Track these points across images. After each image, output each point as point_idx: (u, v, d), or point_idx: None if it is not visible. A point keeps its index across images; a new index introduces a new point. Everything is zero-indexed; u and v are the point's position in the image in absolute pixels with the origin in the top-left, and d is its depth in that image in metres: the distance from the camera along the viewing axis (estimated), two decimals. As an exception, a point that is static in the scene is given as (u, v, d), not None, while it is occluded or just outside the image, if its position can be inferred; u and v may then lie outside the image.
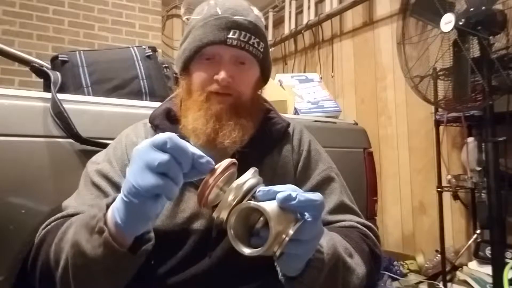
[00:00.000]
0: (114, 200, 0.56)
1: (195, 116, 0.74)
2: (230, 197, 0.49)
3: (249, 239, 0.50)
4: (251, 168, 0.54)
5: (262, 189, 0.50)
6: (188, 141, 0.74)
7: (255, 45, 0.75)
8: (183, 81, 0.79)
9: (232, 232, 0.48)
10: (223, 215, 0.49)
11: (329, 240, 0.60)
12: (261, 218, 0.49)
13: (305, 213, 0.50)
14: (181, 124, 0.77)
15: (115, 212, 0.53)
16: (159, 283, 0.72)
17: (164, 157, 0.48)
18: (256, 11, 0.79)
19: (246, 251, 0.47)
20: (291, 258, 0.52)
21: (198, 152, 0.51)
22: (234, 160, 0.54)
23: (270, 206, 0.47)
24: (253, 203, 0.47)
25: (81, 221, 0.58)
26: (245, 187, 0.50)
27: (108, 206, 0.56)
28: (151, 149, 0.49)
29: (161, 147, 0.49)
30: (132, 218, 0.52)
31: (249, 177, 0.51)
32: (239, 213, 0.48)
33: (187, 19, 0.80)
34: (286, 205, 0.48)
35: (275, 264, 0.57)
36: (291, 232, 0.47)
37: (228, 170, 0.52)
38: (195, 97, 0.75)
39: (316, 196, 0.50)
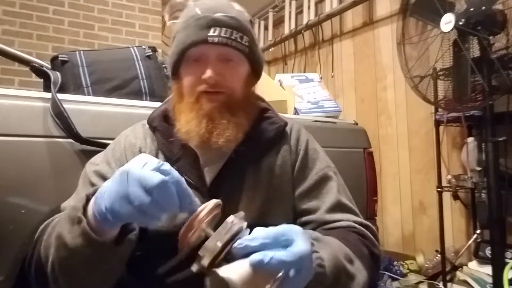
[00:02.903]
0: (95, 192, 0.57)
1: (187, 118, 0.74)
2: (213, 245, 0.48)
3: None
4: (240, 212, 0.53)
5: (238, 245, 0.48)
6: (186, 148, 0.75)
7: (238, 39, 0.74)
8: (175, 85, 0.80)
9: None
10: (205, 262, 0.49)
11: (330, 253, 0.58)
12: None
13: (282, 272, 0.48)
14: (175, 127, 0.77)
15: (93, 205, 0.54)
16: (159, 283, 0.72)
17: (145, 200, 0.49)
18: (237, 6, 0.79)
19: None
20: None
21: (188, 193, 0.52)
22: (219, 201, 0.54)
23: (239, 271, 0.46)
24: (221, 273, 0.46)
25: (65, 214, 0.59)
26: (228, 235, 0.49)
27: (88, 197, 0.57)
28: (138, 185, 0.49)
29: (148, 190, 0.49)
30: (107, 222, 0.53)
31: (231, 225, 0.50)
32: (213, 282, 0.48)
33: (173, 23, 0.81)
34: (259, 268, 0.47)
35: None
36: None
37: (213, 212, 0.52)
38: (186, 100, 0.76)
39: (294, 255, 0.47)
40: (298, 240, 0.49)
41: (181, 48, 0.75)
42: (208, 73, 0.72)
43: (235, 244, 0.48)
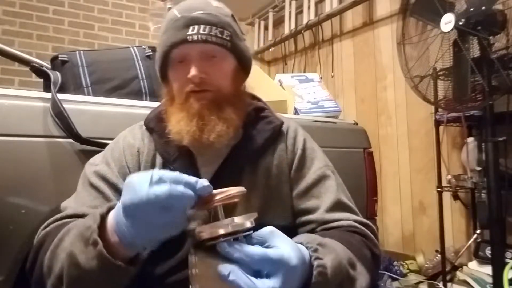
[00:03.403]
0: (109, 209, 0.56)
1: (177, 118, 0.74)
2: (216, 229, 0.50)
3: None
4: (253, 214, 0.54)
5: (224, 247, 0.49)
6: (182, 149, 0.75)
7: (218, 34, 0.74)
8: (165, 89, 0.80)
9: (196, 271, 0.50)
10: (203, 236, 0.52)
11: (333, 259, 0.57)
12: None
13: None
14: (167, 129, 0.76)
15: (115, 225, 0.53)
16: (158, 283, 0.72)
17: (165, 219, 0.50)
18: (215, 3, 0.79)
19: None
20: None
21: (193, 180, 0.51)
22: (244, 190, 0.54)
23: (209, 266, 0.49)
24: (198, 257, 0.50)
25: (77, 231, 0.57)
26: (233, 229, 0.50)
27: (102, 216, 0.56)
28: (155, 208, 0.49)
29: (159, 205, 0.49)
30: (134, 248, 0.54)
31: (244, 221, 0.51)
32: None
33: (157, 28, 0.82)
34: (222, 278, 0.47)
35: None
36: None
37: (233, 198, 0.53)
38: (177, 101, 0.76)
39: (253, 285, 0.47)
40: (278, 277, 0.49)
41: (163, 51, 0.75)
42: (192, 71, 0.72)
43: (223, 245, 0.50)
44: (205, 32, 0.73)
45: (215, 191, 0.53)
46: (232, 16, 0.81)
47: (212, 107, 0.73)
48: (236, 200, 0.53)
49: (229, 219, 0.51)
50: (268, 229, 0.52)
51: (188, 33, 0.72)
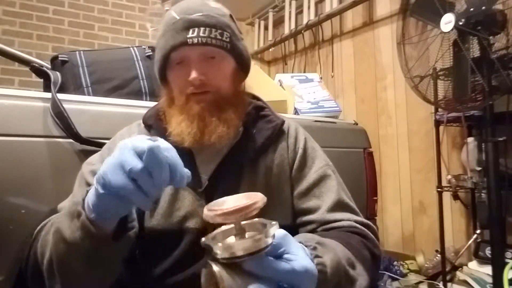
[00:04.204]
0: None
1: (178, 120, 0.74)
2: (234, 251, 0.45)
3: None
4: (277, 223, 0.49)
5: (248, 264, 0.46)
6: (181, 147, 0.72)
7: (218, 36, 0.74)
8: (164, 91, 0.80)
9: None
10: (221, 255, 0.46)
11: (333, 258, 0.57)
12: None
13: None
14: (167, 131, 0.76)
15: (89, 197, 0.53)
16: (156, 283, 0.72)
17: (137, 165, 0.47)
18: (213, 3, 0.79)
19: None
20: None
21: (179, 162, 0.50)
22: (265, 201, 0.51)
23: (233, 284, 0.44)
24: (220, 273, 0.44)
25: (65, 210, 0.59)
26: (254, 249, 0.45)
27: (87, 191, 0.56)
28: (131, 151, 0.48)
29: (139, 154, 0.48)
30: (100, 205, 0.52)
31: (266, 236, 0.46)
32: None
33: (154, 30, 0.82)
34: None
35: None
36: None
37: (252, 212, 0.48)
38: (176, 103, 0.76)
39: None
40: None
41: (163, 53, 0.75)
42: (193, 74, 0.72)
43: (249, 263, 0.46)
44: (205, 35, 0.73)
45: (236, 206, 0.48)
46: (230, 15, 0.81)
47: (212, 109, 0.73)
48: (255, 214, 0.50)
49: (251, 234, 0.47)
50: (282, 233, 0.50)
51: (188, 36, 0.72)
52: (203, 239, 0.48)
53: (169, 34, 0.74)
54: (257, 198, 0.50)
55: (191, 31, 0.72)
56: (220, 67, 0.76)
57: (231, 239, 0.49)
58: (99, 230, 0.53)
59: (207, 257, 0.48)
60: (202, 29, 0.73)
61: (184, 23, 0.73)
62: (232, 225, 0.49)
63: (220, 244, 0.46)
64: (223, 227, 0.51)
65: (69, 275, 0.57)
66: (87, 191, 0.56)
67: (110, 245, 0.55)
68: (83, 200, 0.55)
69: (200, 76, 0.72)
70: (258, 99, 0.89)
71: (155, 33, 0.83)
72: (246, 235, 0.48)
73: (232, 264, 0.46)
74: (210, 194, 0.74)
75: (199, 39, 0.72)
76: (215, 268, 0.45)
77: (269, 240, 0.47)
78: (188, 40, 0.72)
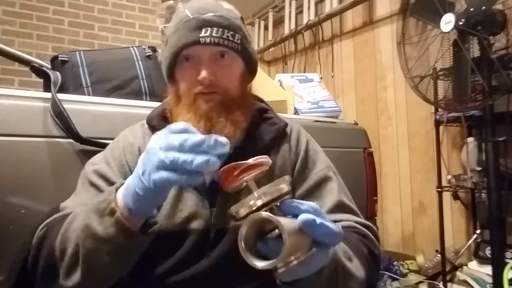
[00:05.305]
0: (122, 185, 0.59)
1: (184, 119, 0.73)
2: (254, 201, 0.47)
3: (255, 243, 0.48)
4: (285, 176, 0.52)
5: (287, 202, 0.49)
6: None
7: (230, 38, 0.74)
8: (171, 88, 0.80)
9: (243, 243, 0.46)
10: (242, 213, 0.48)
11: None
12: (276, 231, 0.46)
13: (321, 241, 0.49)
14: None
15: (126, 197, 0.56)
16: (158, 283, 0.72)
17: (176, 150, 0.49)
18: (226, 5, 0.79)
19: (253, 262, 0.45)
20: (291, 275, 0.51)
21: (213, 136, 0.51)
22: (270, 161, 0.54)
23: (289, 225, 0.44)
24: (274, 218, 0.44)
25: (90, 207, 0.60)
26: (272, 196, 0.48)
27: (117, 190, 0.58)
28: (165, 147, 0.50)
29: (173, 145, 0.50)
30: (143, 204, 0.55)
31: (280, 185, 0.49)
32: (255, 221, 0.46)
33: (164, 27, 0.81)
34: (306, 229, 0.47)
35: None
36: (302, 258, 0.46)
37: (261, 167, 0.52)
38: (183, 102, 0.76)
39: (337, 227, 0.49)
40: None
41: (174, 51, 0.75)
42: (203, 73, 0.72)
43: (286, 201, 0.48)
44: (218, 35, 0.73)
45: (236, 164, 0.51)
46: (241, 18, 0.81)
47: (220, 109, 0.73)
48: (265, 169, 0.53)
49: (266, 187, 0.49)
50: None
51: (201, 35, 0.72)
52: (232, 207, 0.49)
53: (182, 32, 0.74)
54: (262, 158, 0.52)
55: (203, 30, 0.72)
56: (230, 68, 0.76)
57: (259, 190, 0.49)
58: (132, 226, 0.56)
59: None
60: (215, 29, 0.73)
61: (197, 22, 0.73)
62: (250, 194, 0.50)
63: (255, 194, 0.48)
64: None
65: (93, 269, 0.60)
66: (116, 189, 0.59)
67: (139, 239, 0.58)
68: (115, 197, 0.57)
69: (210, 76, 0.72)
70: (261, 100, 0.89)
71: (165, 29, 0.83)
72: (258, 189, 0.50)
73: (271, 209, 0.47)
74: (213, 195, 0.74)
75: (212, 39, 0.72)
76: (264, 214, 0.45)
77: (289, 188, 0.50)
78: (201, 39, 0.72)
